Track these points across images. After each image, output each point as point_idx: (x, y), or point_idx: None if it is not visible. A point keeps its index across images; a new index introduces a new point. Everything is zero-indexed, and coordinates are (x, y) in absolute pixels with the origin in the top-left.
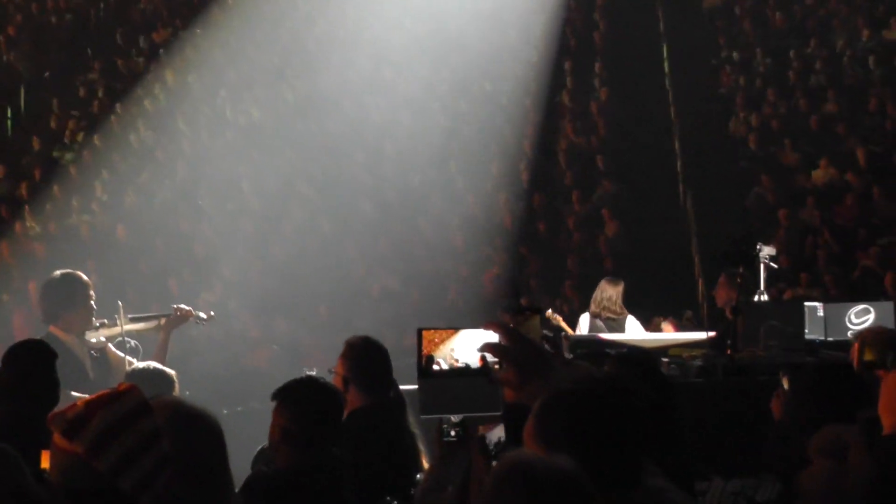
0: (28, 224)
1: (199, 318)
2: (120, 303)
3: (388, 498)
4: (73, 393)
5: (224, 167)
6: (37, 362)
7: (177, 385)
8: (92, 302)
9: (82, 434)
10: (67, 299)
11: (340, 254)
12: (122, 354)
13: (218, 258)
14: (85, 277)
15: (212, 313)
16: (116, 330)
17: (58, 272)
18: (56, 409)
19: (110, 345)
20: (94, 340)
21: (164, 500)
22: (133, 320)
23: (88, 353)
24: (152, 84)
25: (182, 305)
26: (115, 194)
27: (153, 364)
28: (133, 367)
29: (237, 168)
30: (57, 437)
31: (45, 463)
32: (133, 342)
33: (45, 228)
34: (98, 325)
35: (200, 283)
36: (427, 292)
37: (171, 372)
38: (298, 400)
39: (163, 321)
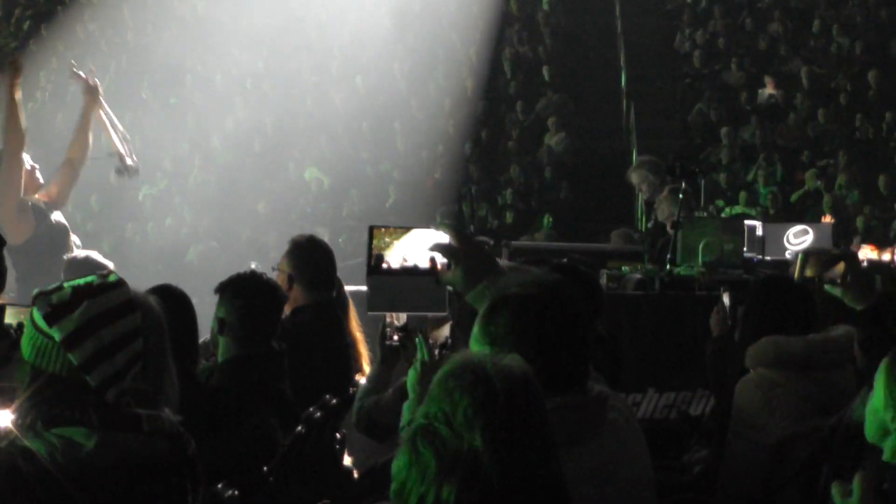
0: None
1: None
2: None
3: (327, 396)
4: None
5: (169, 60)
6: None
7: None
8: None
9: (63, 322)
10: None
11: (281, 151)
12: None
13: (160, 152)
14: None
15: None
16: None
17: None
18: None
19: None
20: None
21: (125, 393)
22: None
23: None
24: None
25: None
26: (59, 84)
27: (92, 254)
28: (72, 256)
29: (182, 62)
30: (36, 316)
31: (9, 318)
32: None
33: None
34: None
35: (142, 175)
36: (367, 194)
37: (109, 263)
38: (239, 293)
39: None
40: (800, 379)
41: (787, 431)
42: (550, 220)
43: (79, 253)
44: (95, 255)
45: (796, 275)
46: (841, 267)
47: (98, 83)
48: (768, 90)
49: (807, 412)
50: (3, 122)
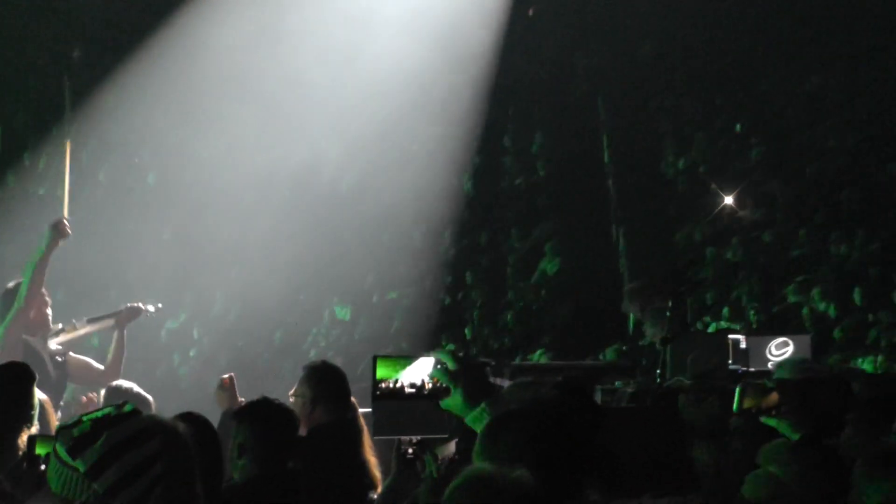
0: None
1: (148, 311)
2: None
3: None
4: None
5: (191, 195)
6: (15, 384)
7: (153, 411)
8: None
9: (86, 454)
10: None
11: (294, 283)
12: (84, 358)
13: (183, 283)
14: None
15: (159, 305)
16: (77, 333)
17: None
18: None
19: (71, 353)
20: (54, 347)
21: None
22: (90, 321)
23: (51, 356)
24: None
25: (129, 304)
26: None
27: (135, 387)
28: (116, 385)
29: (203, 197)
30: (59, 451)
31: (39, 449)
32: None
33: None
34: (59, 328)
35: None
36: (374, 320)
37: (150, 397)
38: (255, 418)
39: (117, 320)
40: None
41: None
42: (546, 344)
43: (122, 383)
44: (137, 388)
45: (735, 407)
46: (774, 398)
47: (67, 224)
48: (748, 211)
49: None
50: (31, 272)
